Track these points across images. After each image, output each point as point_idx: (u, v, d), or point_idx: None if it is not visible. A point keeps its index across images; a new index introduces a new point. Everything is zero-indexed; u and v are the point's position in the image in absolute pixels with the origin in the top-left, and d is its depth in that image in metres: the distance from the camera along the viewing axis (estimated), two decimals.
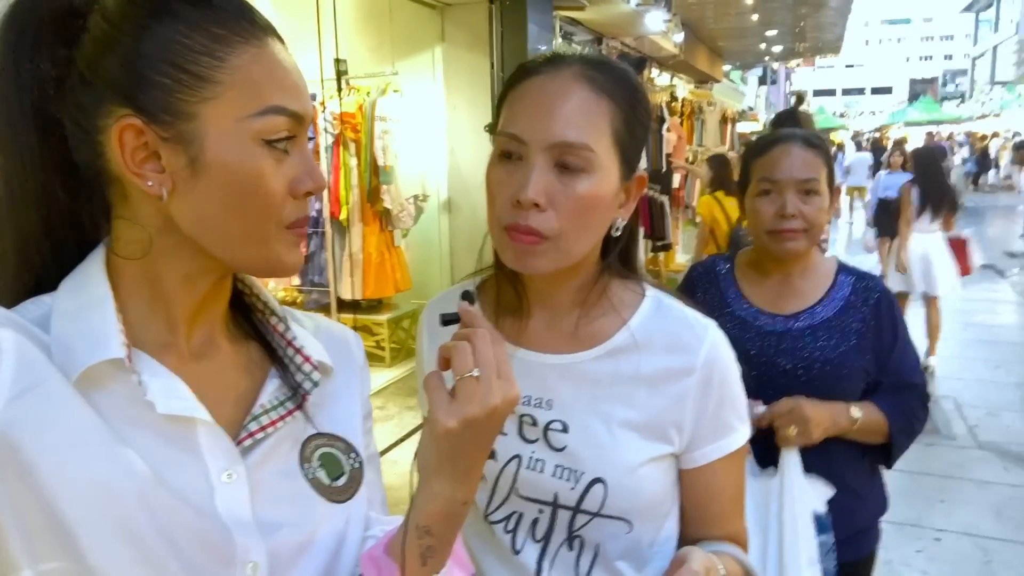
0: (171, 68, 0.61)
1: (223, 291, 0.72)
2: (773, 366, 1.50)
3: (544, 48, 4.88)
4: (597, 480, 0.92)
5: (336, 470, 0.75)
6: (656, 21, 5.78)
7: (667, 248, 7.15)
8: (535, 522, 0.97)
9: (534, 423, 0.96)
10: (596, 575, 0.96)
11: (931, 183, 5.77)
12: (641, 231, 6.02)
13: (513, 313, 1.00)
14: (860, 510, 1.55)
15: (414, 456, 0.72)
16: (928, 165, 5.93)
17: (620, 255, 0.99)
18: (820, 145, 1.53)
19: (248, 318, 0.77)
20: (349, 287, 4.91)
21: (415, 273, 5.17)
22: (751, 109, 23.35)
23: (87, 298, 0.65)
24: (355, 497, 0.75)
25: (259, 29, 0.65)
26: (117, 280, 0.67)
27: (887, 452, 1.55)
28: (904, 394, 1.52)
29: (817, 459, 1.48)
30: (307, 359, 0.75)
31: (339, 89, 4.91)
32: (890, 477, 3.11)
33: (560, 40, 5.51)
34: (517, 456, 0.96)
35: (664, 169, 6.98)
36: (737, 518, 1.02)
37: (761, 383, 1.48)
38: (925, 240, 5.76)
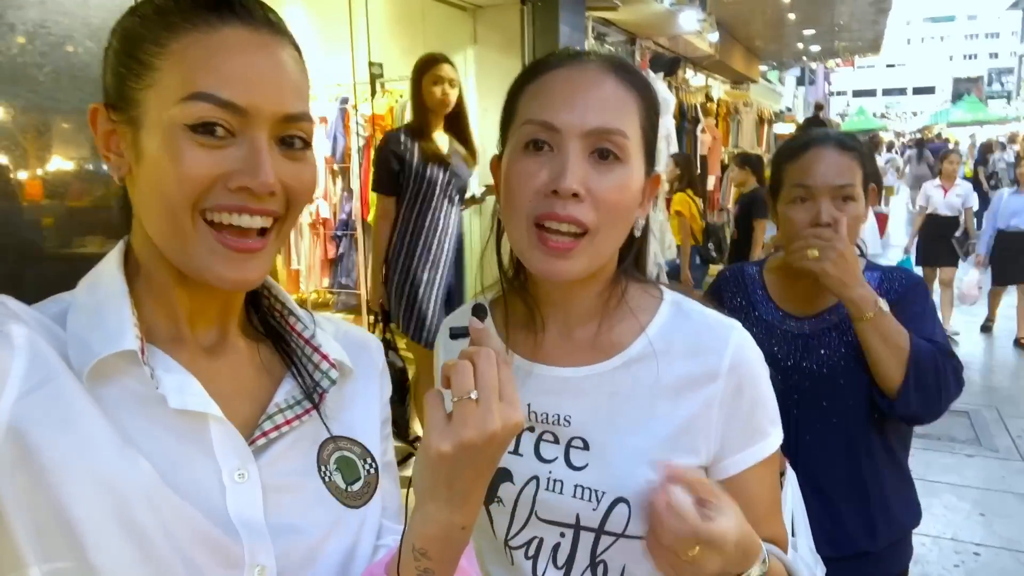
0: (125, 56, 0.64)
1: (230, 293, 0.71)
2: (799, 369, 1.46)
3: (579, 49, 4.85)
4: (620, 500, 0.87)
5: (352, 474, 0.74)
6: (690, 20, 5.71)
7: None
8: (556, 547, 0.91)
9: (554, 441, 0.91)
10: None
11: None
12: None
13: (526, 327, 0.95)
14: (889, 523, 1.48)
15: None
16: None
17: (634, 259, 0.95)
18: (855, 147, 1.46)
19: (267, 319, 0.77)
20: None
21: (476, 275, 5.16)
22: (789, 110, 23.01)
23: (103, 293, 0.66)
24: (370, 503, 0.74)
25: (218, 15, 0.63)
26: (134, 276, 0.68)
27: (888, 402, 1.42)
28: (936, 349, 1.41)
29: (841, 468, 1.44)
30: (325, 357, 0.74)
31: (372, 92, 4.96)
32: (929, 489, 3.03)
33: (593, 41, 5.47)
34: (535, 477, 0.91)
35: (698, 171, 6.89)
36: (775, 522, 0.96)
37: (787, 386, 1.44)
38: None
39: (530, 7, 4.46)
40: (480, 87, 4.75)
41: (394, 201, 3.30)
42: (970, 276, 6.22)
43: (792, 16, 9.30)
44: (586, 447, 0.89)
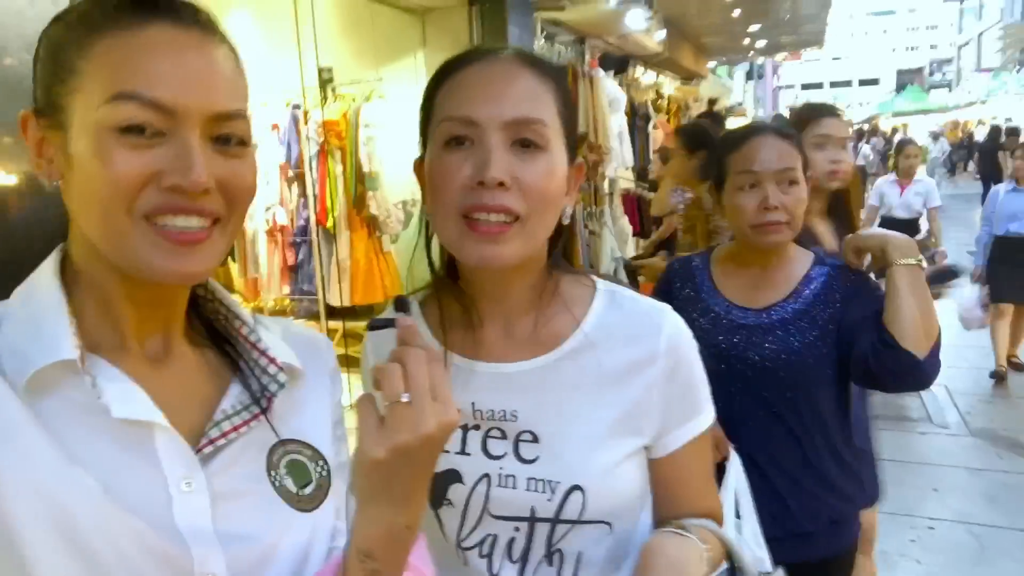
0: (50, 62, 0.64)
1: (171, 295, 0.70)
2: (743, 359, 1.51)
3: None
4: (575, 488, 0.89)
5: (303, 478, 0.73)
6: (637, 19, 5.78)
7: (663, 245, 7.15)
8: (511, 542, 0.92)
9: (502, 437, 0.92)
10: None
11: None
12: (630, 229, 5.97)
13: (463, 326, 0.95)
14: (831, 504, 1.54)
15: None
16: None
17: (561, 250, 0.97)
18: (792, 134, 1.55)
19: (212, 324, 0.76)
20: (338, 294, 4.91)
21: (407, 279, 5.15)
22: (740, 104, 23.39)
23: (39, 303, 0.64)
24: (322, 506, 0.74)
25: (143, 14, 0.62)
26: (73, 284, 0.66)
27: (907, 356, 1.40)
28: None
29: (782, 454, 1.49)
30: (272, 360, 0.73)
31: (323, 98, 4.93)
32: (883, 467, 3.05)
33: (543, 41, 5.51)
34: (486, 475, 0.91)
35: (650, 166, 6.98)
36: (710, 496, 1.01)
37: (731, 376, 1.49)
38: None
39: (478, 9, 4.48)
40: None
41: None
42: (969, 294, 5.13)
43: (737, 12, 9.46)
44: (536, 440, 0.90)
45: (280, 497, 0.70)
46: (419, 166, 0.93)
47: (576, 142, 0.93)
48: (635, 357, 0.92)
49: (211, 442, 0.67)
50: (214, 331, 0.76)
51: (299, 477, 0.72)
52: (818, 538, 1.51)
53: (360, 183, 4.73)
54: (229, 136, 0.65)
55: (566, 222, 0.93)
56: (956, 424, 4.67)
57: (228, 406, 0.70)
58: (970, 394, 5.03)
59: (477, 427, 0.93)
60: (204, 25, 0.65)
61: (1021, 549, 3.30)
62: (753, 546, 1.26)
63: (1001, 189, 5.48)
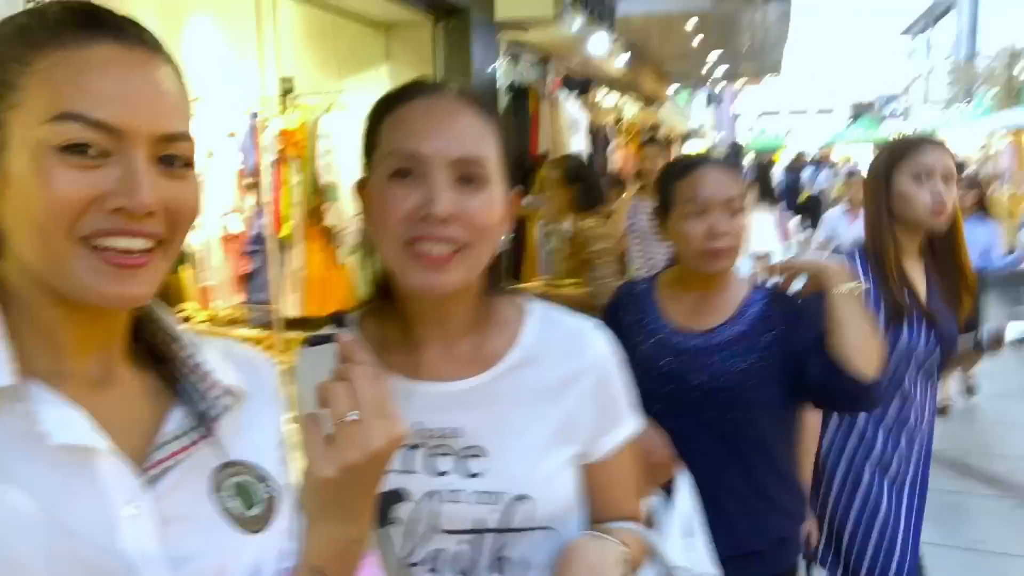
0: None
1: (111, 318, 0.69)
2: (685, 382, 1.54)
3: (490, 69, 4.94)
4: (521, 497, 0.94)
5: (249, 500, 0.72)
6: (600, 43, 5.89)
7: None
8: (458, 555, 0.95)
9: (447, 454, 0.95)
10: None
11: None
12: None
13: (401, 346, 0.98)
14: (774, 523, 1.58)
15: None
16: None
17: (493, 272, 1.00)
18: (736, 166, 1.64)
19: (152, 346, 0.74)
20: (292, 304, 4.87)
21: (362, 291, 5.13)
22: (700, 128, 23.82)
23: None
24: (269, 528, 0.73)
25: (88, 32, 0.61)
26: (8, 306, 0.65)
27: (855, 383, 1.47)
28: None
29: (726, 474, 1.52)
30: (214, 384, 0.72)
31: (283, 107, 4.90)
32: None
33: (506, 62, 5.57)
34: (431, 492, 0.94)
35: (615, 187, 7.08)
36: (635, 498, 1.08)
37: (674, 399, 1.53)
38: None
39: (442, 26, 4.52)
40: None
41: None
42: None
43: (698, 40, 9.70)
44: (480, 454, 0.94)
45: (226, 519, 0.69)
46: (361, 188, 0.96)
47: (514, 170, 0.98)
48: (567, 372, 0.98)
49: (155, 465, 0.67)
50: (155, 353, 0.74)
51: (245, 499, 0.72)
52: (764, 556, 1.55)
53: (317, 194, 4.71)
54: (174, 157, 0.64)
55: (502, 249, 0.98)
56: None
57: (171, 429, 0.69)
58: None
59: (421, 446, 0.95)
60: (149, 44, 0.64)
61: (961, 567, 3.40)
62: (706, 564, 1.31)
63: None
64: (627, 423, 1.03)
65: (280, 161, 4.74)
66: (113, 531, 0.62)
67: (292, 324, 4.88)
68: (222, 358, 0.76)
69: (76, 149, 0.59)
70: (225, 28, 4.89)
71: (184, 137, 0.65)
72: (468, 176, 0.88)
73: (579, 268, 3.42)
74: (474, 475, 0.94)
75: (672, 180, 1.61)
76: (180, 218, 0.65)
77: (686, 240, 1.55)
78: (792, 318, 1.55)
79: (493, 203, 0.91)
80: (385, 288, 0.99)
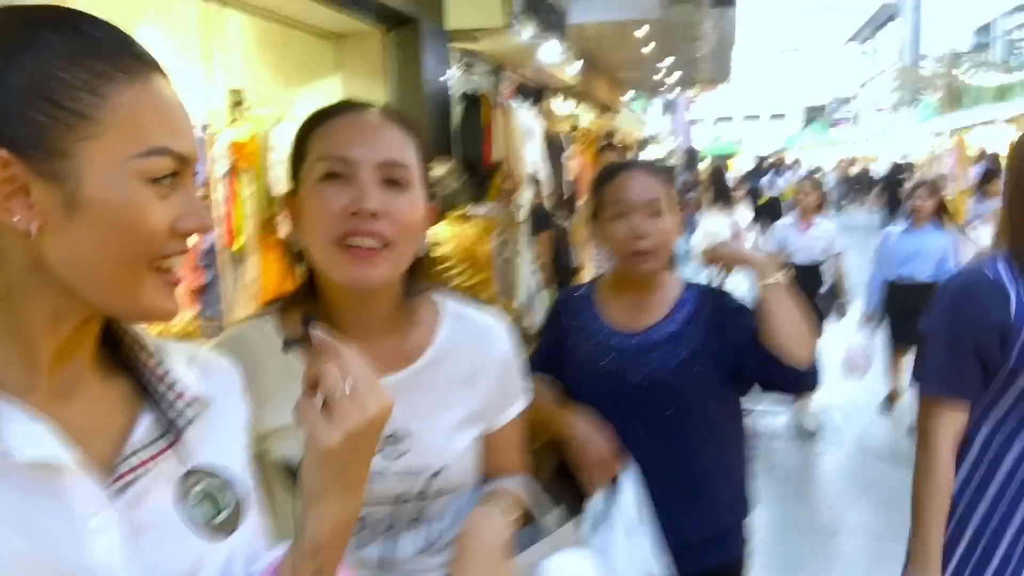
0: (45, 103, 0.59)
1: (90, 329, 0.69)
2: (624, 381, 1.59)
3: (442, 79, 4.95)
4: (437, 472, 1.08)
5: (216, 506, 0.73)
6: (551, 53, 5.94)
7: (575, 272, 7.29)
8: (379, 520, 1.09)
9: None
10: (444, 530, 1.12)
11: None
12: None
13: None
14: (715, 516, 1.62)
15: (295, 489, 0.73)
16: None
17: (412, 274, 1.09)
18: (662, 171, 1.70)
19: (118, 352, 0.75)
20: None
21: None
22: (656, 136, 24.15)
23: None
24: (236, 533, 0.74)
25: (143, 65, 0.64)
26: None
27: (790, 371, 1.50)
28: None
29: (666, 469, 1.55)
30: (180, 395, 0.73)
31: (234, 119, 4.85)
32: (782, 484, 3.15)
33: (458, 72, 5.59)
34: None
35: (567, 196, 7.14)
36: (521, 456, 1.23)
37: (614, 398, 1.57)
38: None
39: (393, 37, 4.52)
40: None
41: None
42: (856, 340, 4.92)
43: (649, 48, 9.83)
44: (402, 440, 1.06)
45: (191, 528, 0.70)
46: (289, 200, 1.05)
47: (430, 187, 1.07)
48: (477, 364, 1.13)
49: (122, 476, 0.67)
50: (123, 360, 0.75)
51: (211, 505, 0.73)
52: (704, 549, 1.59)
53: (270, 205, 4.67)
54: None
55: (422, 253, 1.06)
56: (850, 442, 4.92)
57: (138, 439, 0.70)
58: (865, 414, 5.30)
59: None
60: (165, 70, 0.68)
61: None
62: (650, 558, 1.34)
63: (893, 231, 5.02)
64: (520, 400, 1.20)
65: (232, 173, 4.69)
66: (80, 543, 0.63)
67: None
68: (187, 364, 0.77)
69: (163, 180, 0.64)
70: (172, 39, 4.83)
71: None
72: (393, 178, 0.98)
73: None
74: (395, 458, 1.06)
75: (600, 185, 1.67)
76: (208, 233, 0.72)
77: (612, 242, 1.61)
78: (724, 312, 1.61)
79: (416, 205, 1.01)
80: (307, 289, 1.07)
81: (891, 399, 5.27)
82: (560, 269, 5.51)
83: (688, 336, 1.59)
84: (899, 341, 4.92)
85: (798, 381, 1.54)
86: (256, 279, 4.80)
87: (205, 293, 4.88)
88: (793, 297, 1.54)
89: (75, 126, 0.60)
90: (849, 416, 5.28)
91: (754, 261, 1.59)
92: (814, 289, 4.86)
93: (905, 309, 4.62)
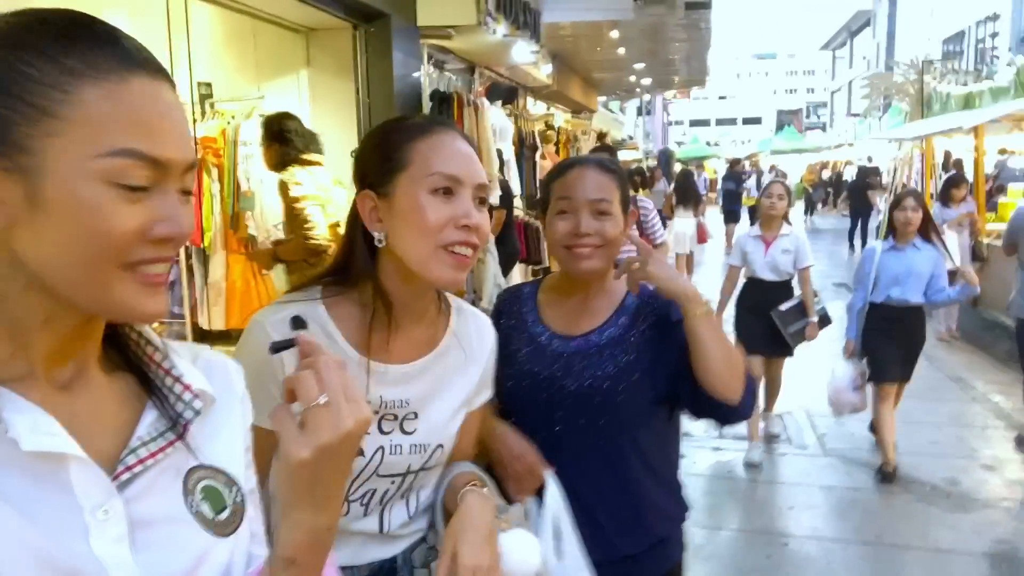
0: (8, 97, 0.58)
1: (93, 328, 0.69)
2: (561, 388, 1.53)
3: (415, 75, 4.92)
4: (439, 446, 1.25)
5: (219, 503, 0.73)
6: (523, 52, 5.93)
7: (547, 271, 7.31)
8: (386, 492, 1.22)
9: (393, 419, 1.21)
10: (423, 506, 1.28)
11: None
12: (520, 254, 6.07)
13: (378, 330, 1.19)
14: (648, 527, 1.57)
15: (270, 490, 0.73)
16: None
17: None
18: (614, 170, 1.60)
19: (123, 348, 0.75)
20: (212, 316, 4.74)
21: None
22: (631, 138, 24.28)
23: None
24: (237, 531, 0.74)
25: (125, 65, 0.62)
26: None
27: (718, 405, 1.46)
28: None
29: (598, 478, 1.51)
30: (187, 387, 0.73)
31: (202, 113, 4.78)
32: (743, 486, 3.13)
33: (431, 68, 5.56)
34: (381, 447, 1.19)
35: (538, 195, 7.13)
36: (475, 444, 1.38)
37: (551, 405, 1.53)
38: None
39: (363, 32, 4.48)
40: (315, 109, 4.71)
41: None
42: (840, 373, 4.40)
43: (622, 51, 9.86)
44: (416, 417, 1.22)
45: (197, 522, 0.70)
46: (364, 200, 1.17)
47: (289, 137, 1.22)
48: (475, 354, 1.30)
49: (128, 469, 0.67)
50: (127, 357, 0.75)
51: (215, 503, 0.73)
52: (642, 559, 1.55)
53: (237, 202, 4.61)
54: (189, 186, 0.68)
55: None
56: (813, 445, 4.96)
57: (144, 432, 0.70)
58: (827, 416, 5.33)
59: (376, 412, 1.19)
60: (162, 70, 0.66)
61: (864, 561, 3.53)
62: (572, 568, 1.32)
63: (878, 248, 4.39)
64: (490, 389, 1.37)
65: (199, 169, 4.63)
66: (84, 535, 0.62)
67: (211, 337, 4.76)
68: (191, 363, 0.77)
69: (129, 183, 0.61)
70: (138, 31, 4.74)
71: (196, 165, 0.68)
72: (482, 199, 1.18)
73: (289, 220, 3.73)
74: (410, 432, 1.21)
75: (551, 180, 1.61)
76: (184, 240, 0.67)
77: (554, 236, 1.55)
78: (665, 325, 1.53)
79: (487, 221, 1.19)
80: (341, 276, 1.21)
81: (887, 475, 4.33)
82: (506, 254, 5.52)
83: (625, 344, 1.54)
84: (888, 375, 4.30)
85: (729, 412, 1.47)
86: (222, 278, 4.74)
87: (169, 292, 4.83)
88: (720, 329, 1.46)
89: (39, 122, 0.59)
90: (815, 417, 5.33)
91: (677, 288, 1.45)
92: (779, 305, 4.55)
93: (898, 334, 4.25)
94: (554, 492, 1.39)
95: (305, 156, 3.75)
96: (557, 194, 1.56)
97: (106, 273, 0.62)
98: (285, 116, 3.88)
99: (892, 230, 4.39)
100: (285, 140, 3.74)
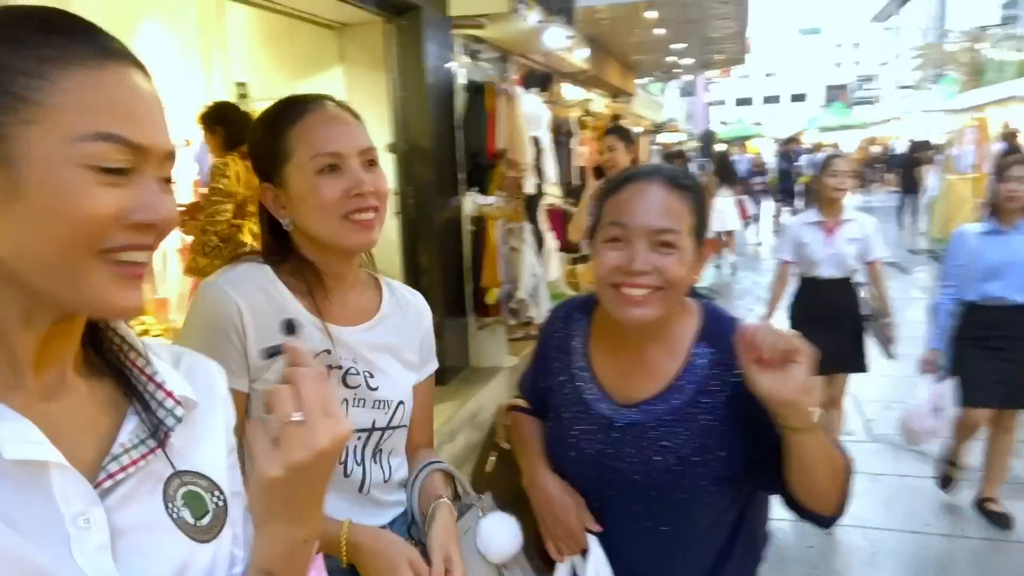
0: None
1: (72, 329, 0.69)
2: (612, 470, 1.29)
3: (448, 66, 4.92)
4: (401, 403, 1.36)
5: (200, 509, 0.73)
6: (558, 38, 5.87)
7: (585, 259, 7.25)
8: (355, 448, 1.32)
9: (356, 373, 1.30)
10: (394, 467, 1.39)
11: None
12: (557, 243, 6.06)
13: (317, 294, 1.29)
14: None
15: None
16: None
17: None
18: (689, 187, 1.24)
19: (103, 353, 0.74)
20: None
21: None
22: (672, 120, 23.92)
23: None
24: (219, 536, 0.74)
25: (101, 53, 0.63)
26: None
27: (814, 514, 1.22)
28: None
29: (673, 558, 1.31)
30: (169, 394, 0.73)
31: None
32: None
33: (466, 58, 5.55)
34: (345, 399, 1.28)
35: (575, 184, 7.09)
36: (431, 426, 1.51)
37: (600, 483, 1.31)
38: None
39: (395, 25, 4.49)
40: (350, 104, 4.74)
41: None
42: (920, 395, 3.53)
43: (660, 31, 9.70)
44: (374, 374, 1.32)
45: (179, 529, 0.70)
46: (265, 193, 1.28)
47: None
48: (411, 322, 1.42)
49: (110, 476, 0.67)
50: (109, 362, 0.75)
51: (196, 508, 0.73)
52: None
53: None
54: (168, 175, 0.68)
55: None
56: (859, 431, 4.85)
57: (125, 439, 0.69)
58: (875, 401, 5.22)
59: (340, 367, 1.28)
60: (137, 60, 0.66)
61: (911, 550, 3.45)
62: None
63: (969, 231, 3.47)
64: (433, 363, 1.48)
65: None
66: (66, 544, 0.62)
67: None
68: (173, 366, 0.77)
69: (109, 169, 0.62)
70: (175, 34, 4.85)
71: (175, 154, 0.69)
72: (371, 161, 1.25)
73: (204, 204, 3.75)
74: (374, 388, 1.32)
75: (605, 196, 1.29)
76: (167, 230, 0.67)
77: (598, 272, 1.24)
78: (743, 394, 1.17)
79: (383, 178, 1.27)
80: (281, 251, 1.29)
81: (946, 480, 3.80)
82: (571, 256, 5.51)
83: (694, 420, 1.24)
84: (982, 397, 3.37)
85: (822, 523, 1.24)
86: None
87: None
88: (826, 443, 1.15)
89: (17, 109, 0.59)
90: (862, 402, 5.21)
91: (788, 403, 1.08)
92: (849, 309, 3.76)
93: (990, 345, 3.35)
94: (598, 558, 1.27)
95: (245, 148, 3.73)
96: (609, 217, 1.24)
97: (81, 260, 0.61)
98: (225, 104, 4.01)
99: (990, 209, 3.41)
100: (227, 123, 3.81)
